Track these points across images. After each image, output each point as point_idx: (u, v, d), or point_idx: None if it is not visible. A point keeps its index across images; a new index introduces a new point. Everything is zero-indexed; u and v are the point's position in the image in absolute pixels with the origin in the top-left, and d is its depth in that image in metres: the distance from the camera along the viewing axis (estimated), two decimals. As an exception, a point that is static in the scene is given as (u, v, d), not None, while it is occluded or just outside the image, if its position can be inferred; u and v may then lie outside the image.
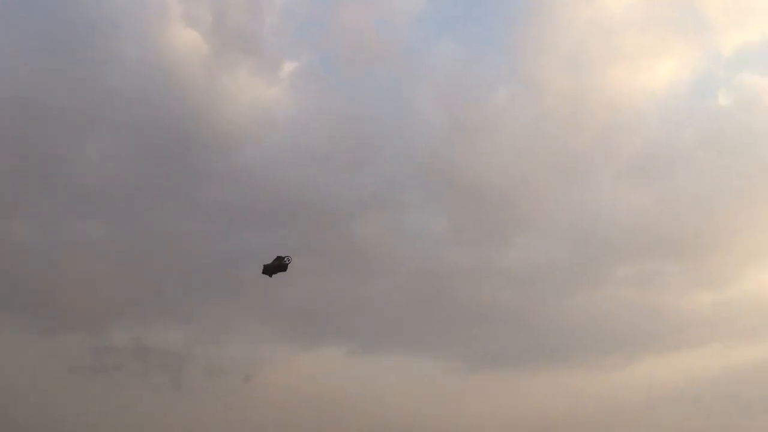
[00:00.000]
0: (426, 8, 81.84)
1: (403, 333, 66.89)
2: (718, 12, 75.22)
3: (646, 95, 75.58)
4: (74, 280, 62.79)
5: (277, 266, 37.09)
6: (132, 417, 57.03)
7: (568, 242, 71.64)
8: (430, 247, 70.22)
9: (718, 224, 69.63)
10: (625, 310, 67.71)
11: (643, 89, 75.59)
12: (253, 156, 70.78)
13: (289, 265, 37.10)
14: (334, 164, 72.39)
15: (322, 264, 63.96)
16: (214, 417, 59.00)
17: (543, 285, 69.67)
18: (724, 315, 66.54)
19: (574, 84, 75.06)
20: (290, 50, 79.75)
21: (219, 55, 73.77)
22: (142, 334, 63.14)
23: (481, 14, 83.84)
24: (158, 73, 71.58)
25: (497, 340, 66.92)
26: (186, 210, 68.98)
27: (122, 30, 72.50)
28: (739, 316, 66.31)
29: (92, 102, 69.01)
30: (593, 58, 75.71)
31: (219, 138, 71.24)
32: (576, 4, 77.91)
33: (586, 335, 66.90)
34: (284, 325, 65.67)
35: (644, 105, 75.37)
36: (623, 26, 75.31)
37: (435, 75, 78.56)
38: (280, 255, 36.90)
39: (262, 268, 37.40)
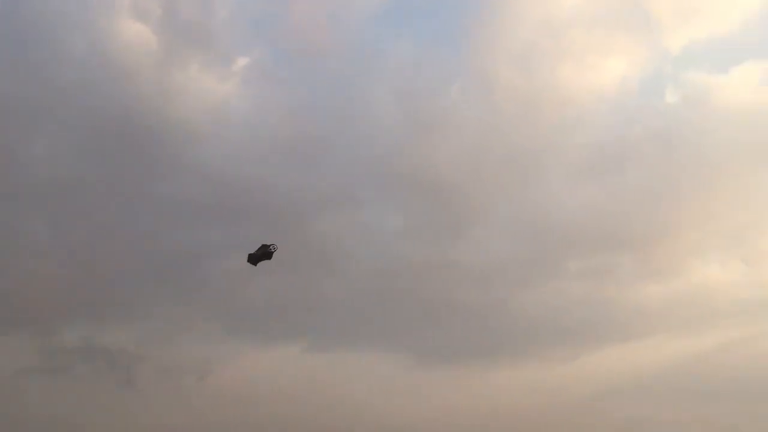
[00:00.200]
0: (381, 3, 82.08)
1: (360, 329, 66.99)
2: (666, 11, 76.83)
3: (595, 92, 76.63)
4: (21, 279, 61.24)
5: (262, 255, 36.39)
6: (83, 419, 56.01)
7: (521, 237, 72.49)
8: (386, 243, 70.52)
9: (665, 218, 71.38)
10: (577, 304, 68.94)
11: (593, 87, 76.61)
12: (207, 151, 69.97)
13: (255, 261, 36.44)
14: (289, 160, 71.98)
15: (278, 260, 63.38)
16: (168, 417, 58.36)
17: (497, 280, 70.49)
18: (670, 307, 68.40)
19: (526, 81, 75.91)
20: (243, 44, 78.91)
21: (169, 49, 72.59)
22: (93, 333, 62.19)
23: (435, 10, 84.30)
24: (106, 67, 70.03)
25: (453, 335, 67.66)
26: (137, 206, 68.01)
27: (68, 23, 70.86)
28: (685, 307, 68.28)
29: (37, 97, 67.29)
30: (544, 56, 76.49)
31: (171, 133, 70.24)
32: (527, 2, 78.90)
33: (539, 329, 67.97)
34: (240, 323, 65.25)
35: (594, 102, 76.49)
36: (572, 24, 76.36)
37: (390, 70, 78.69)
38: (264, 243, 36.26)
39: (246, 257, 36.67)
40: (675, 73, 78.54)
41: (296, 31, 77.71)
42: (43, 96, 67.16)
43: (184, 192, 67.70)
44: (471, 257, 70.53)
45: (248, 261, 36.60)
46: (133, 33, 71.21)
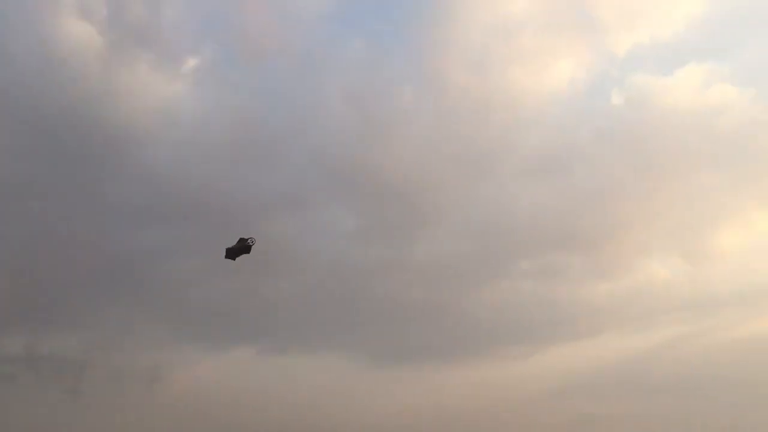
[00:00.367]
0: (333, 5, 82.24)
1: (313, 331, 66.72)
2: (612, 15, 78.84)
3: (545, 94, 78.26)
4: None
5: (240, 249, 35.57)
6: (28, 429, 54.03)
7: (473, 237, 73.38)
8: (339, 244, 70.44)
9: (612, 217, 73.26)
10: (529, 302, 70.33)
11: (543, 89, 78.23)
12: (156, 153, 68.89)
13: (233, 255, 35.62)
14: (239, 162, 71.25)
15: (230, 263, 62.47)
16: (117, 426, 56.89)
17: (450, 280, 71.24)
18: (619, 304, 70.29)
19: (478, 83, 76.84)
20: (192, 45, 77.88)
21: (116, 49, 71.11)
22: (37, 341, 60.12)
23: (387, 13, 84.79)
24: (50, 67, 68.20)
25: (406, 335, 68.03)
26: (83, 209, 66.25)
27: (11, 22, 68.76)
28: (632, 305, 70.22)
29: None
30: (495, 58, 77.72)
31: (118, 134, 68.75)
32: (478, 6, 79.79)
33: (491, 328, 68.98)
34: (191, 327, 64.13)
35: (543, 104, 78.09)
36: (523, 28, 77.71)
37: (342, 71, 78.84)
38: (242, 237, 35.47)
39: (224, 252, 35.79)
40: (621, 75, 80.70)
41: (247, 32, 77.08)
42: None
43: (131, 194, 66.70)
44: (424, 257, 71.29)
45: (226, 256, 35.82)
46: (79, 33, 69.61)
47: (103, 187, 67.35)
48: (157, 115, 71.59)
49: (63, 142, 67.15)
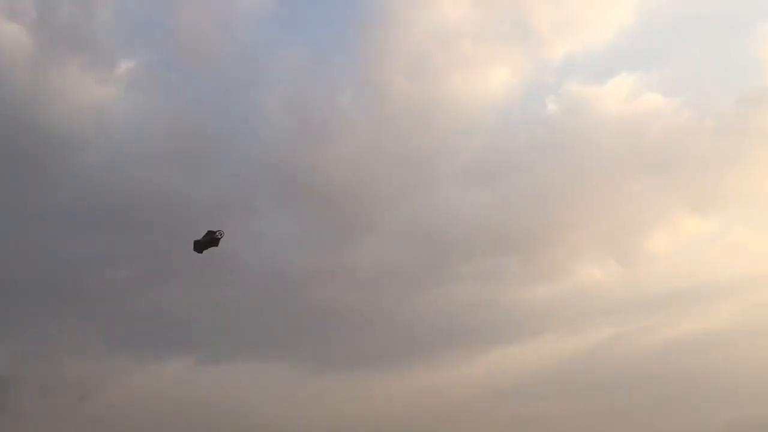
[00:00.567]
0: (271, 9, 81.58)
1: (254, 338, 65.52)
2: (546, 23, 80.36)
3: (482, 101, 78.97)
4: None
5: (208, 241, 34.50)
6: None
7: (413, 242, 73.52)
8: (279, 250, 69.45)
9: (549, 222, 74.24)
10: (470, 306, 70.59)
11: (480, 96, 78.96)
12: (88, 158, 66.97)
13: (201, 249, 34.62)
14: (176, 167, 69.73)
15: (167, 271, 61.41)
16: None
17: (391, 285, 71.21)
18: (556, 307, 71.20)
19: (417, 89, 77.38)
20: (126, 48, 76.09)
21: (46, 51, 68.97)
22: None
23: (327, 18, 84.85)
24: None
25: (348, 342, 67.66)
26: (11, 216, 63.43)
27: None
28: (569, 307, 71.18)
29: None
30: (434, 65, 78.39)
31: (49, 139, 66.39)
32: (418, 13, 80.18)
33: (433, 332, 69.06)
34: (127, 337, 62.21)
35: (481, 111, 78.79)
36: (461, 35, 78.63)
37: (281, 76, 78.28)
38: (211, 229, 34.44)
39: (192, 245, 34.67)
40: (556, 83, 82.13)
41: (184, 36, 75.83)
42: None
43: (63, 200, 64.59)
44: (364, 263, 71.06)
45: (194, 249, 34.82)
46: (7, 34, 67.47)
47: (32, 194, 65.03)
48: (89, 119, 69.64)
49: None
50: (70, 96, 69.35)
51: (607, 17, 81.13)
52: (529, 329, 69.84)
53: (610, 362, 65.36)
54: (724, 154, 72.94)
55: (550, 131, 77.58)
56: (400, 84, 77.35)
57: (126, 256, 64.17)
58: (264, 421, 60.14)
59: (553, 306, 70.96)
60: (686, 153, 74.14)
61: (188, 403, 59.91)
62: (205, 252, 35.19)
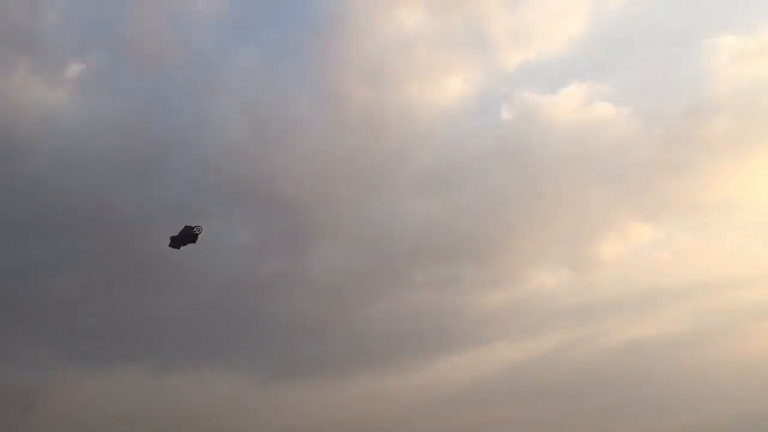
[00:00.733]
0: (226, 12, 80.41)
1: (205, 348, 64.81)
2: (501, 33, 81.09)
3: (437, 109, 79.38)
4: None
5: (185, 237, 33.61)
6: None
7: (368, 250, 73.38)
8: (231, 258, 68.47)
9: (502, 229, 75.09)
10: (425, 313, 70.83)
11: (435, 103, 79.34)
12: (34, 162, 65.12)
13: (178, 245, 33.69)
14: (126, 172, 68.03)
15: (117, 278, 60.33)
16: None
17: (345, 292, 70.93)
18: (510, 313, 72.12)
19: (372, 96, 77.50)
20: (76, 50, 74.19)
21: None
22: None
23: (282, 22, 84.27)
24: None
25: (301, 350, 67.27)
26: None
27: None
28: (523, 313, 72.19)
29: None
30: (390, 72, 78.45)
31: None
32: (374, 19, 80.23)
33: (388, 340, 69.16)
34: (74, 346, 60.83)
35: (436, 118, 79.21)
36: (417, 43, 78.89)
37: (235, 81, 77.23)
38: (188, 225, 33.47)
39: (169, 241, 33.66)
40: (510, 92, 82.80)
41: (136, 38, 74.40)
42: None
43: (8, 206, 62.49)
44: (319, 271, 70.65)
45: (170, 245, 33.91)
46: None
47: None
48: (37, 123, 68.07)
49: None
50: (18, 99, 68.08)
51: (561, 28, 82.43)
52: (482, 336, 70.67)
53: (563, 368, 66.48)
54: (672, 163, 74.73)
55: (503, 139, 78.27)
56: (356, 90, 77.51)
57: (74, 262, 62.80)
58: (214, 431, 59.56)
59: (507, 313, 71.99)
60: (635, 161, 75.79)
61: (139, 414, 58.79)
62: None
